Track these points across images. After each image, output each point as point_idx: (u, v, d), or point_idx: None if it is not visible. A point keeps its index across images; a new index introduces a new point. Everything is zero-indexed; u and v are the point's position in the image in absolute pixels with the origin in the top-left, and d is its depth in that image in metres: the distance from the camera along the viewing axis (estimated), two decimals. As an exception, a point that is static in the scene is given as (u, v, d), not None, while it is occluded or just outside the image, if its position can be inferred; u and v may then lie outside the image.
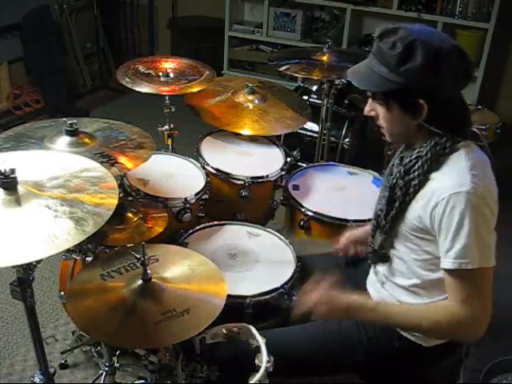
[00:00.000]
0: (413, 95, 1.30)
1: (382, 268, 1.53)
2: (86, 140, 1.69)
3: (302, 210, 2.09)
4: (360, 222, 2.00)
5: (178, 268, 1.49)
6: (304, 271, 1.81)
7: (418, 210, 1.34)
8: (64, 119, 1.71)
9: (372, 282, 1.59)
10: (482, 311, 1.29)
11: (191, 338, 1.36)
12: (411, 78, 1.28)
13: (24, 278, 1.29)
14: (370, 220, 1.97)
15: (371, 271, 1.61)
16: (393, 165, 1.50)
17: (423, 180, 1.34)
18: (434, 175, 1.33)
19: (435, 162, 1.32)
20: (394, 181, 1.40)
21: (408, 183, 1.36)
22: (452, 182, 1.27)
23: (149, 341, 1.31)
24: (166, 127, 2.39)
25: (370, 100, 1.42)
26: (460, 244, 1.25)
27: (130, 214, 1.82)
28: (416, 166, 1.34)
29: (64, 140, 1.66)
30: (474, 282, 1.28)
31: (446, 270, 1.29)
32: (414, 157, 1.36)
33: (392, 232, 1.43)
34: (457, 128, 1.34)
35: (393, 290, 1.49)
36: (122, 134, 1.79)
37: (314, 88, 3.33)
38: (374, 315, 1.41)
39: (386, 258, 1.50)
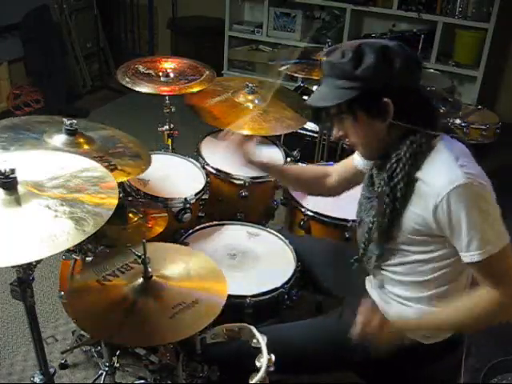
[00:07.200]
0: (375, 96, 1.30)
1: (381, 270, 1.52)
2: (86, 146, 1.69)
3: (302, 210, 2.09)
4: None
5: (173, 264, 1.49)
6: (304, 271, 1.82)
7: (419, 214, 1.33)
8: (64, 119, 1.70)
9: (371, 279, 1.59)
10: None
11: (192, 336, 1.37)
12: (369, 78, 1.28)
13: (24, 278, 1.29)
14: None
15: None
16: (371, 175, 1.48)
17: (409, 182, 1.33)
18: (419, 175, 1.32)
19: (415, 161, 1.32)
20: (380, 189, 1.39)
21: (394, 188, 1.34)
22: (444, 179, 1.26)
23: (166, 335, 1.31)
24: (166, 127, 2.39)
25: (335, 122, 1.42)
26: (479, 234, 1.25)
27: (130, 214, 1.82)
28: (398, 169, 1.34)
29: (64, 138, 1.66)
30: (502, 262, 1.28)
31: (474, 263, 1.28)
32: (394, 161, 1.35)
33: (389, 241, 1.42)
34: (427, 119, 1.34)
35: (392, 287, 1.49)
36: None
37: (314, 88, 3.33)
38: (426, 327, 1.43)
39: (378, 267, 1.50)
